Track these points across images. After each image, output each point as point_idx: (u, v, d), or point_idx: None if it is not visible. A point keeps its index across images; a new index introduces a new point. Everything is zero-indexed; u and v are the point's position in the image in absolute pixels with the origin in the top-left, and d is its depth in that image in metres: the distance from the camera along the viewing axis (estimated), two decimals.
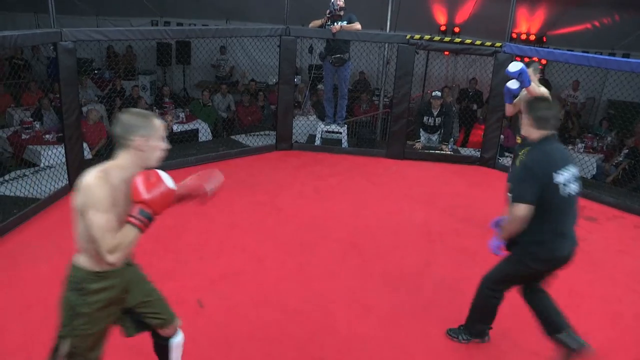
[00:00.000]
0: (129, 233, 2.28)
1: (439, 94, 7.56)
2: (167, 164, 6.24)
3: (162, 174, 2.35)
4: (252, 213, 5.30)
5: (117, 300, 2.49)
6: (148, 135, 2.34)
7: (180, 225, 4.95)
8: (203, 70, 11.43)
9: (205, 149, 6.97)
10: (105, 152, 7.00)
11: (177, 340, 2.82)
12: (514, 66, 4.72)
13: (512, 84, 4.90)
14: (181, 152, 6.71)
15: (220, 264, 4.34)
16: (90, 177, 2.26)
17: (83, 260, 2.36)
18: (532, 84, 4.78)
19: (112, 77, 10.05)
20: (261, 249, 4.63)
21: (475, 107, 9.65)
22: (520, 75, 4.69)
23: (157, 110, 8.72)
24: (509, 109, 5.16)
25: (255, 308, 3.79)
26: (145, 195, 2.27)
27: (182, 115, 8.51)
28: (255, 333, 3.54)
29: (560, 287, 4.27)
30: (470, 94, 9.71)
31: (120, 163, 2.36)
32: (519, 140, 5.08)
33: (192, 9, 10.93)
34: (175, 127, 7.77)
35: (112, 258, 2.24)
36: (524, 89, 4.88)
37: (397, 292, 4.10)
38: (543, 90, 4.84)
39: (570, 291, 4.24)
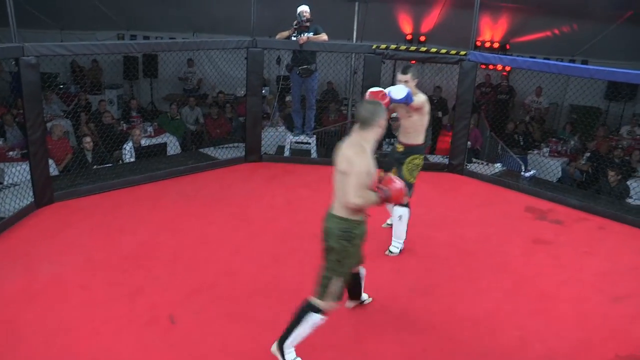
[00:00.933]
0: (373, 196, 3.16)
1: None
2: (135, 178, 6.20)
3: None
4: (224, 226, 5.27)
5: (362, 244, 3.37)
6: (384, 117, 3.20)
7: (151, 240, 4.89)
8: (171, 83, 11.35)
9: (174, 162, 6.90)
10: (72, 168, 6.89)
11: (363, 269, 3.80)
12: (399, 93, 4.38)
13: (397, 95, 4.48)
14: (150, 166, 6.63)
15: (192, 279, 4.29)
16: (352, 152, 3.11)
17: (345, 213, 3.17)
18: (414, 98, 4.48)
19: (78, 92, 9.91)
20: (233, 262, 4.60)
21: (440, 114, 9.79)
22: (407, 99, 4.42)
23: (124, 125, 8.64)
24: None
25: (229, 322, 3.76)
26: (392, 187, 3.26)
27: (150, 129, 8.43)
28: (228, 348, 3.52)
29: (530, 290, 4.37)
30: (435, 101, 9.85)
31: (369, 138, 3.17)
32: (400, 148, 4.82)
33: (159, 22, 10.86)
34: (143, 141, 7.69)
35: (354, 202, 3.07)
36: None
37: (370, 301, 4.12)
38: (422, 99, 4.66)
39: (540, 294, 4.32)
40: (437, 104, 9.78)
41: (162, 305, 3.91)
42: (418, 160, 4.78)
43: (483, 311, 4.07)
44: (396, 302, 4.12)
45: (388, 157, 5.03)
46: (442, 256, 4.90)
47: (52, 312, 3.75)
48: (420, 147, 4.79)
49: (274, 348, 3.31)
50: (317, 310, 3.25)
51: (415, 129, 4.76)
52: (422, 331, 3.79)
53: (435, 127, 9.36)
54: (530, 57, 8.54)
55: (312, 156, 7.53)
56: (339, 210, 3.19)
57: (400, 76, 4.58)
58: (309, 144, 7.56)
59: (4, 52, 5.12)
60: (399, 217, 4.80)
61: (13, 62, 5.28)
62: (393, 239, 4.90)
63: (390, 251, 4.90)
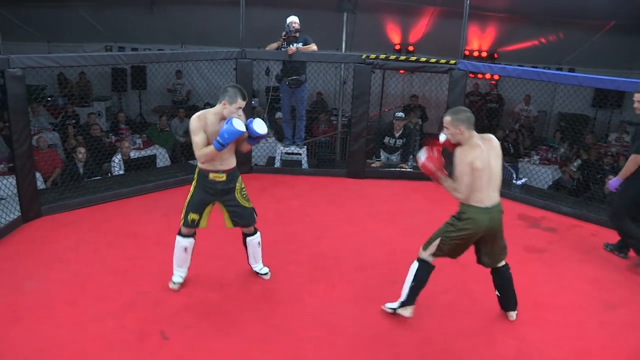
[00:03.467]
0: None
1: (402, 114, 7.56)
2: (124, 191, 6.12)
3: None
4: (213, 239, 5.18)
5: None
6: None
7: (140, 255, 4.81)
8: (159, 95, 11.29)
9: (163, 174, 6.82)
10: (60, 181, 6.80)
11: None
12: (262, 128, 3.98)
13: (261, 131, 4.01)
14: (139, 178, 6.56)
15: (182, 293, 4.21)
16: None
17: None
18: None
19: (65, 104, 9.82)
20: (224, 276, 4.52)
21: (420, 122, 9.82)
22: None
23: (112, 137, 8.56)
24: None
25: (220, 337, 3.69)
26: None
27: (138, 141, 8.36)
28: None
29: (525, 299, 4.33)
30: (413, 109, 9.89)
31: None
32: (222, 177, 4.08)
33: (147, 34, 10.81)
34: (132, 154, 7.61)
35: None
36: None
37: (364, 314, 4.06)
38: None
39: (535, 303, 4.29)
40: (415, 111, 9.82)
41: (152, 320, 3.83)
42: (241, 181, 4.24)
43: (478, 322, 4.03)
44: (390, 315, 4.07)
45: (200, 196, 4.11)
46: (437, 266, 4.84)
47: (38, 331, 3.66)
48: (237, 167, 4.22)
49: None
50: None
51: (233, 152, 4.12)
52: (417, 343, 3.73)
53: (418, 136, 9.38)
54: (519, 66, 8.58)
55: (302, 167, 7.49)
56: (498, 196, 3.70)
57: (242, 102, 3.84)
58: (300, 154, 7.53)
59: None
60: (259, 242, 4.47)
61: None
62: (258, 262, 4.54)
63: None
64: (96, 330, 3.69)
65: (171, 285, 4.26)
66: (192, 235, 4.25)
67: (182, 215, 4.15)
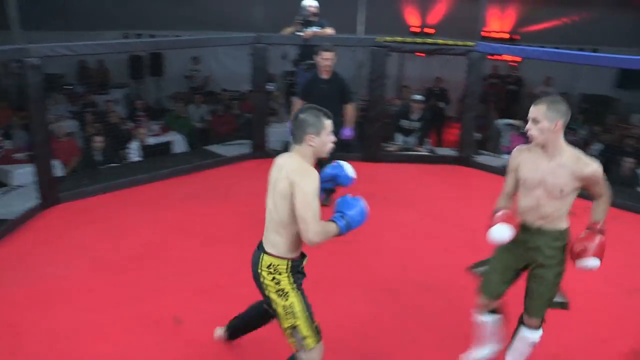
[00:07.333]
0: None
1: (419, 97, 7.50)
2: (141, 178, 6.16)
3: None
4: (231, 225, 5.21)
5: None
6: None
7: (156, 241, 4.85)
8: (177, 82, 11.32)
9: (180, 160, 6.85)
10: (79, 168, 6.87)
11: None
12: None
13: None
14: (156, 164, 6.60)
15: (199, 279, 4.23)
16: None
17: None
18: None
19: (84, 92, 9.92)
20: (240, 262, 4.52)
21: (442, 105, 9.72)
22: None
23: (130, 124, 8.63)
24: None
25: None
26: None
27: (156, 127, 8.40)
28: (235, 349, 3.47)
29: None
30: (436, 92, 9.77)
31: None
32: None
33: (165, 21, 10.83)
34: (150, 140, 7.66)
35: None
36: None
37: (378, 299, 4.05)
38: None
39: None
40: (438, 94, 9.72)
41: (168, 306, 3.86)
42: None
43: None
44: (403, 299, 4.05)
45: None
46: (452, 251, 4.81)
47: (57, 316, 3.72)
48: None
49: None
50: None
51: None
52: (430, 327, 3.71)
53: (439, 119, 9.27)
54: (540, 47, 8.42)
55: None
56: None
57: (329, 122, 2.88)
58: None
59: (7, 54, 5.08)
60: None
61: (16, 64, 5.25)
62: None
63: None
64: (113, 315, 3.74)
65: None
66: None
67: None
